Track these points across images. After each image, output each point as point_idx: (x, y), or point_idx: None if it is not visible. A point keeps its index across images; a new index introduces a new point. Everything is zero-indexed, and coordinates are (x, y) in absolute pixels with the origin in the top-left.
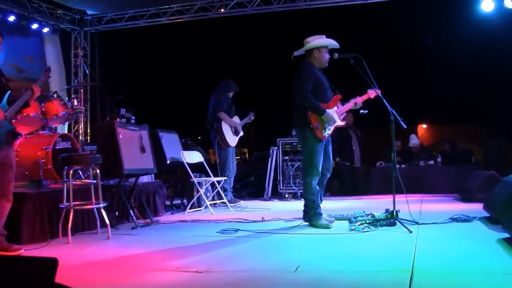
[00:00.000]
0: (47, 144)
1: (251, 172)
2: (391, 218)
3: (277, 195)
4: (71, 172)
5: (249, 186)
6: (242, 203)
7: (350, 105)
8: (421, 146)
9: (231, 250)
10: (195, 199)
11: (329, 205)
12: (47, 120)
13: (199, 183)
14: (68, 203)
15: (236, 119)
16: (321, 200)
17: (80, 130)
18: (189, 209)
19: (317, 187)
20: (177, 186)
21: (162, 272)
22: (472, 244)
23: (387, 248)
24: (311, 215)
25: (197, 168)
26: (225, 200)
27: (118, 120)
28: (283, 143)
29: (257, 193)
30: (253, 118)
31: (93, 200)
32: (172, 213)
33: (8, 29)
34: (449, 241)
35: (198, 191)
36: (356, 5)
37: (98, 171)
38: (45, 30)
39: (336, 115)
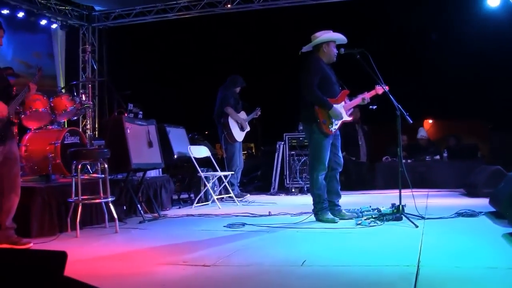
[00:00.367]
0: (56, 139)
1: (258, 167)
2: (397, 213)
3: (283, 189)
4: (79, 166)
5: (256, 180)
6: (249, 197)
7: (357, 100)
8: (428, 139)
9: (238, 244)
10: (202, 193)
11: None
12: (56, 115)
13: (206, 177)
14: (76, 197)
15: (242, 114)
16: (340, 196)
17: (88, 125)
18: (196, 204)
19: (324, 182)
20: (184, 181)
21: (169, 266)
22: (477, 239)
23: (393, 243)
24: (317, 210)
25: (204, 162)
26: (232, 194)
27: (125, 115)
28: (290, 138)
29: (263, 188)
30: (259, 113)
31: (101, 195)
32: (180, 208)
33: (17, 25)
34: (455, 235)
35: (205, 186)
36: (362, 1)
37: (106, 165)
38: (54, 26)
39: (344, 110)
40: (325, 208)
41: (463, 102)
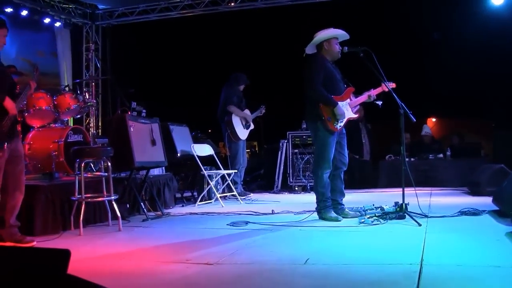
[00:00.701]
0: (59, 137)
1: (261, 165)
2: (400, 211)
3: (287, 188)
4: (82, 164)
5: (259, 179)
6: (252, 195)
7: (363, 97)
8: (432, 136)
9: (241, 242)
10: (205, 191)
11: None
12: (59, 113)
13: (209, 176)
14: (80, 196)
15: (246, 112)
16: (343, 195)
17: (92, 123)
18: (199, 202)
19: (328, 180)
20: (187, 179)
21: (172, 264)
22: (481, 238)
23: (396, 241)
24: (320, 208)
25: (208, 161)
26: (235, 192)
27: (129, 113)
28: (293, 136)
29: (267, 186)
30: (264, 111)
31: (105, 193)
32: (183, 206)
33: (20, 23)
34: (458, 234)
35: (208, 184)
36: None
37: (109, 163)
38: (57, 24)
39: (349, 107)
40: (329, 206)
41: (466, 101)
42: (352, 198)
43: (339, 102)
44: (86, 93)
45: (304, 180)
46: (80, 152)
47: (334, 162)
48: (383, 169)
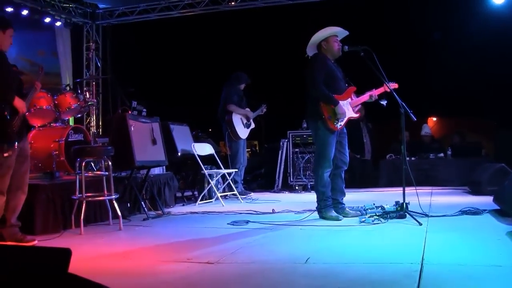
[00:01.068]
0: (60, 136)
1: (262, 164)
2: (401, 211)
3: (287, 187)
4: (83, 164)
5: (260, 178)
6: (253, 195)
7: (365, 97)
8: (432, 136)
9: (241, 241)
10: (206, 191)
11: None
12: (60, 112)
13: (210, 175)
14: (80, 195)
15: (247, 110)
16: (344, 194)
17: (92, 123)
18: (200, 201)
19: (328, 179)
20: (188, 178)
21: (173, 263)
22: (481, 237)
23: (397, 240)
24: (321, 207)
25: (208, 160)
26: (235, 192)
27: (129, 112)
28: (293, 136)
29: (267, 185)
30: (265, 110)
31: (105, 192)
32: (183, 205)
33: (21, 23)
34: (459, 233)
35: (209, 183)
36: None
37: (110, 163)
38: (58, 24)
39: (350, 106)
40: (329, 205)
41: (467, 100)
42: (352, 197)
43: (340, 101)
44: (87, 93)
45: (305, 179)
46: (81, 151)
47: (335, 161)
48: (384, 168)
